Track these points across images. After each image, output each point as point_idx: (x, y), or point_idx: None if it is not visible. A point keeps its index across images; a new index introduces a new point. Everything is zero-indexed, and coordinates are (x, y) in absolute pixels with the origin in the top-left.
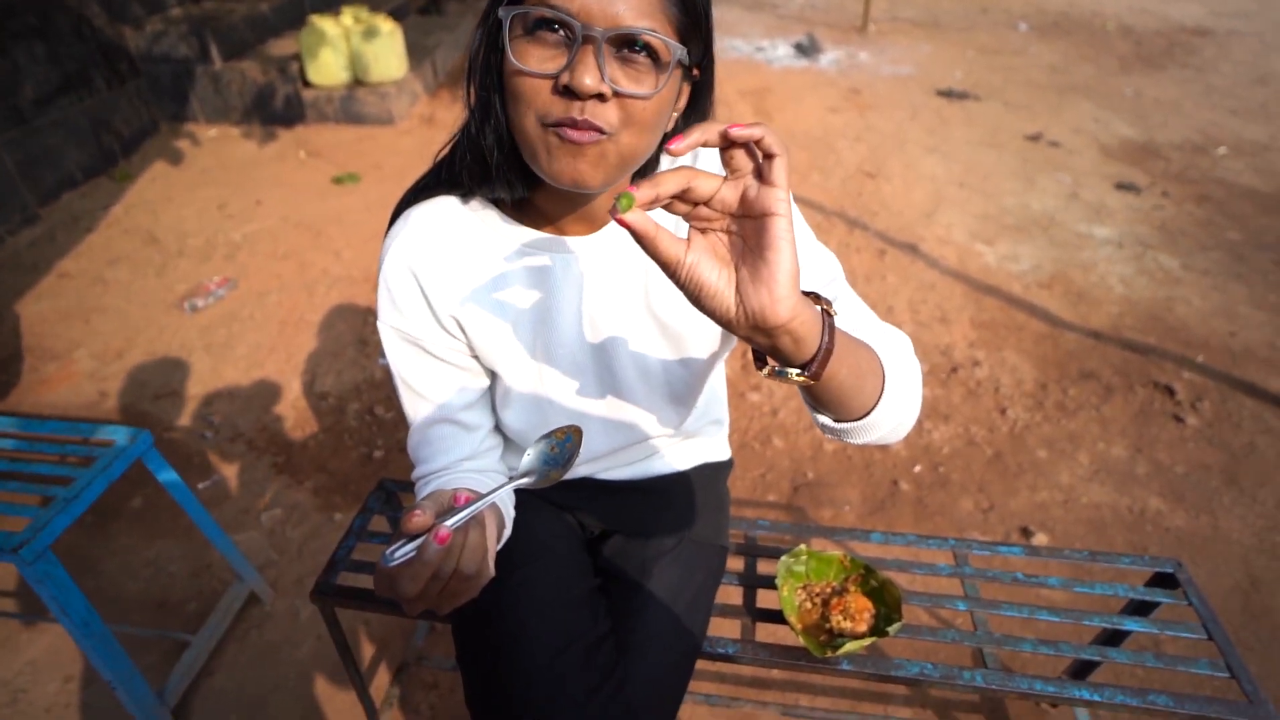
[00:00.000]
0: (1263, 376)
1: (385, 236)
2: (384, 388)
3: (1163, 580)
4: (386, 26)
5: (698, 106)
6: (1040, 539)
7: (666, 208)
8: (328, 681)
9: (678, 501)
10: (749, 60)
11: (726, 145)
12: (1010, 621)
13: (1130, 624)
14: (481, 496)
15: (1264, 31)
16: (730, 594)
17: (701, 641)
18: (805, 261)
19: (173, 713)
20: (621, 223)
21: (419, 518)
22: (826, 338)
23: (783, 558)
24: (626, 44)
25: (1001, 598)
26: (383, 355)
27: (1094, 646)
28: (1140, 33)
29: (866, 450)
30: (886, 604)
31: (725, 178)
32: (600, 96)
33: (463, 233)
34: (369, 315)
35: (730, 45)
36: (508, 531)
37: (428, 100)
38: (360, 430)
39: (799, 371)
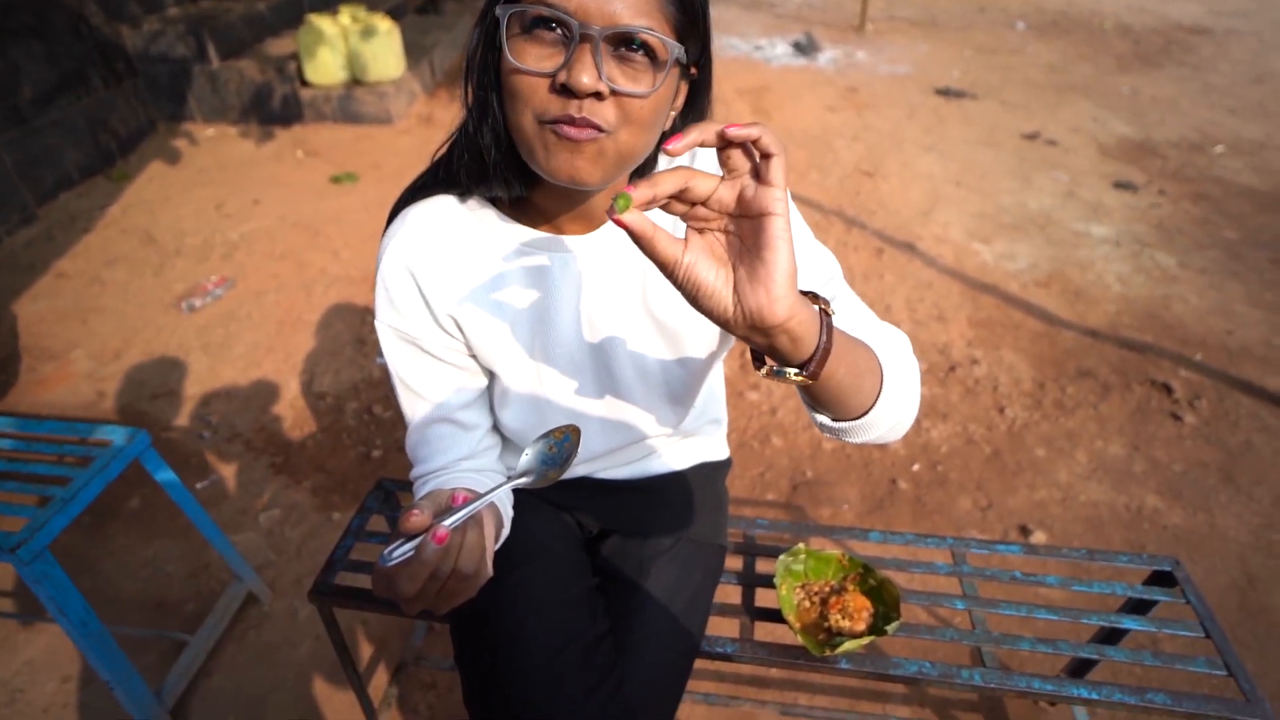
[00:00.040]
0: (1259, 374)
1: (383, 236)
2: (382, 387)
3: (1160, 579)
4: (384, 26)
5: (695, 105)
6: (1038, 537)
7: (664, 208)
8: (326, 681)
9: (676, 501)
10: (747, 59)
11: (724, 145)
12: (1008, 620)
13: (1128, 622)
14: (479, 496)
15: (1262, 30)
16: (729, 593)
17: (700, 640)
18: (803, 260)
19: (171, 713)
20: (619, 223)
21: (417, 518)
22: (824, 337)
23: (781, 557)
24: (624, 42)
25: (1000, 596)
26: (380, 354)
27: (1092, 645)
28: (1138, 31)
29: (865, 449)
30: (885, 603)
31: (722, 177)
32: (598, 95)
33: (460, 232)
34: (367, 314)
35: (728, 44)
36: (506, 531)
37: (426, 99)
38: (358, 430)
39: (797, 371)
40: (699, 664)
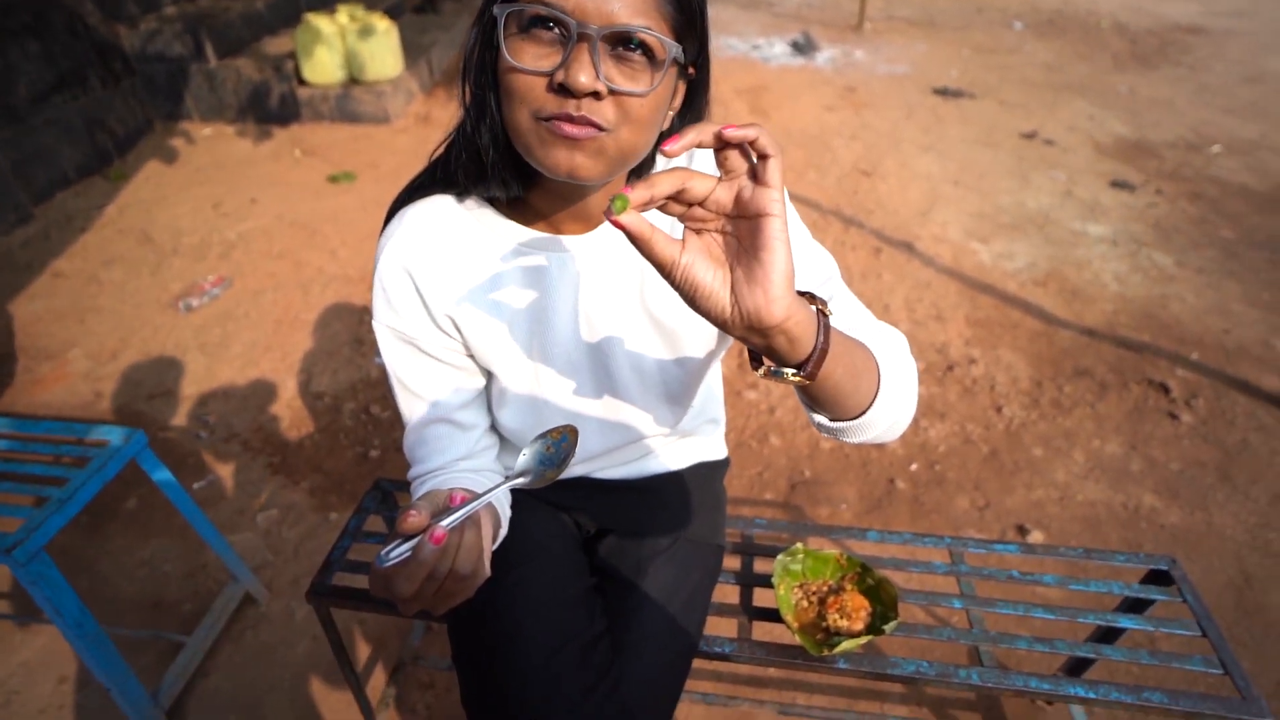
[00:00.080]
0: (1256, 374)
1: (380, 236)
2: (380, 387)
3: (1157, 577)
4: (382, 25)
5: (693, 105)
6: (1036, 536)
7: (661, 209)
8: (323, 682)
9: (673, 501)
10: (745, 58)
11: (721, 146)
12: (1006, 619)
13: (1125, 621)
14: (477, 497)
15: (1257, 30)
16: (727, 593)
17: (698, 640)
18: (801, 260)
19: (167, 714)
20: (616, 224)
21: (414, 518)
22: (821, 338)
23: (779, 556)
24: (622, 42)
25: (997, 595)
26: (378, 354)
27: (1089, 644)
28: (1134, 31)
29: (863, 448)
30: (883, 602)
31: (720, 178)
32: (596, 95)
33: (458, 232)
34: (365, 314)
35: (726, 43)
36: (504, 531)
37: (423, 99)
38: (356, 430)
39: (794, 371)
40: (697, 664)
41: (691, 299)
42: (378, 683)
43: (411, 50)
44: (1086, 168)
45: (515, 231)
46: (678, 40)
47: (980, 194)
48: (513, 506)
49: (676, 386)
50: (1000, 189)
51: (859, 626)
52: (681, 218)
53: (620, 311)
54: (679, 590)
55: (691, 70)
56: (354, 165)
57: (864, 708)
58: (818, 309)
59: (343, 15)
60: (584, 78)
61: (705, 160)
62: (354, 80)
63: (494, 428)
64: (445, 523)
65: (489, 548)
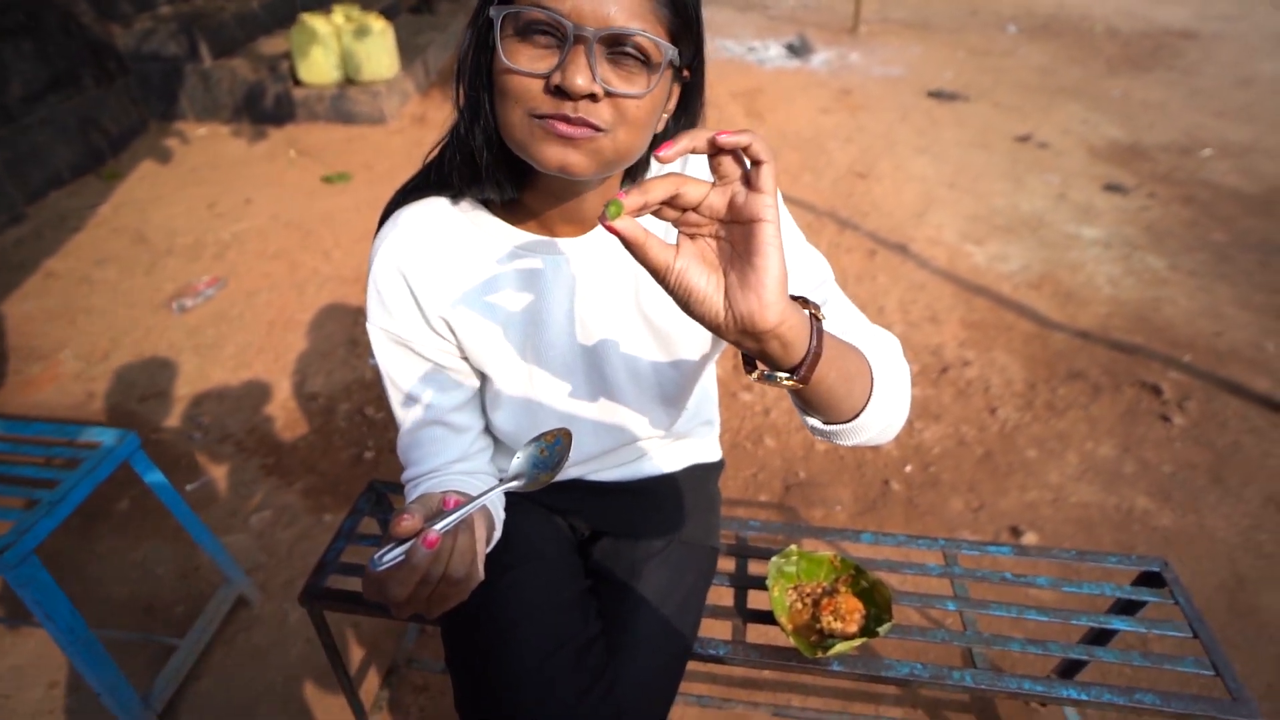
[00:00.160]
0: (1248, 376)
1: (375, 238)
2: (374, 388)
3: (1149, 579)
4: (378, 25)
5: (688, 108)
6: (1030, 538)
7: (655, 214)
8: (317, 685)
9: (668, 503)
10: (740, 61)
11: (715, 152)
12: (999, 621)
13: (1117, 623)
14: (471, 500)
15: (1247, 34)
16: (721, 595)
17: (692, 643)
18: (794, 264)
19: (159, 717)
20: (611, 229)
21: (407, 522)
22: (815, 342)
23: (773, 558)
24: (618, 44)
25: (991, 597)
26: (372, 355)
27: (1082, 646)
28: (1127, 35)
29: (858, 450)
30: (877, 604)
31: (713, 184)
32: (592, 97)
33: (452, 234)
34: (359, 315)
35: (722, 46)
36: (498, 534)
37: (419, 99)
38: (350, 431)
39: (788, 375)
40: (691, 666)
41: (685, 303)
42: (371, 685)
43: (407, 51)
44: (1080, 171)
45: (510, 234)
46: (673, 42)
47: (975, 196)
48: (507, 509)
49: (671, 389)
50: (995, 192)
51: (853, 629)
52: (675, 223)
53: (615, 314)
54: (673, 592)
55: (686, 73)
56: (349, 166)
57: (858, 710)
58: (811, 313)
59: (338, 15)
60: (581, 80)
61: (699, 166)
62: (349, 81)
63: (488, 430)
64: (439, 526)
65: (483, 551)
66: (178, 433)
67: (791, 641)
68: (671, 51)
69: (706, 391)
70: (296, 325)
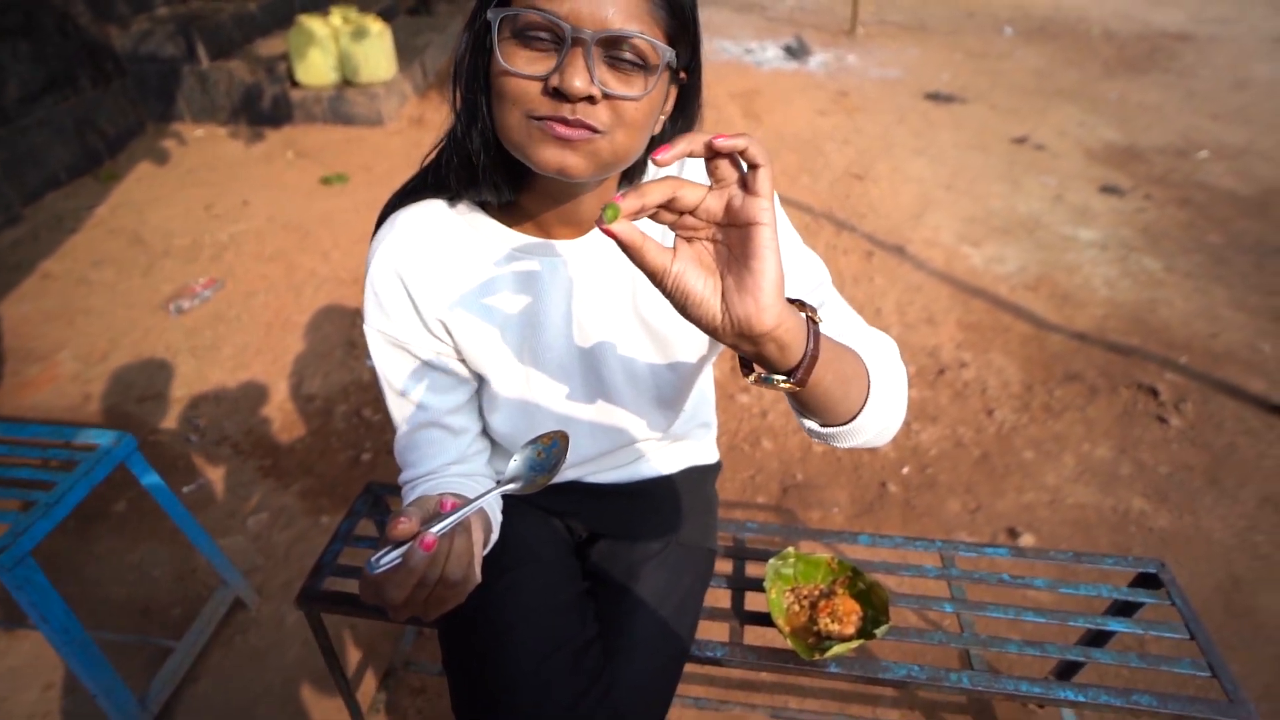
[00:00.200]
0: (1243, 377)
1: (372, 240)
2: (372, 390)
3: (1146, 580)
4: (375, 27)
5: (685, 109)
6: (1027, 540)
7: (653, 217)
8: (314, 687)
9: (665, 505)
10: (738, 62)
11: (711, 155)
12: (996, 623)
13: (1114, 624)
14: (468, 502)
15: (1242, 37)
16: (718, 597)
17: (690, 645)
18: (791, 267)
19: None
20: (608, 233)
21: (404, 525)
22: (811, 345)
23: (771, 560)
24: (616, 46)
25: (988, 599)
26: (370, 357)
27: (1079, 647)
28: (1123, 38)
29: (855, 452)
30: (874, 606)
31: (710, 187)
32: (590, 99)
33: (450, 236)
34: (357, 317)
35: (719, 47)
36: (494, 537)
37: (417, 101)
38: (348, 433)
39: (785, 378)
40: (688, 668)
41: (682, 306)
42: (368, 688)
43: (405, 52)
44: (1077, 173)
45: (507, 236)
46: (670, 44)
47: (972, 198)
48: (504, 511)
49: (668, 391)
50: (991, 193)
51: (850, 630)
52: (672, 226)
53: (612, 316)
54: (670, 594)
55: (683, 75)
56: (347, 167)
57: (856, 711)
58: (807, 316)
59: (336, 17)
60: (579, 82)
61: (696, 169)
62: (347, 82)
63: (485, 432)
64: (436, 529)
65: (480, 553)
66: (175, 434)
67: (789, 643)
68: (669, 53)
69: (704, 394)
70: (294, 327)
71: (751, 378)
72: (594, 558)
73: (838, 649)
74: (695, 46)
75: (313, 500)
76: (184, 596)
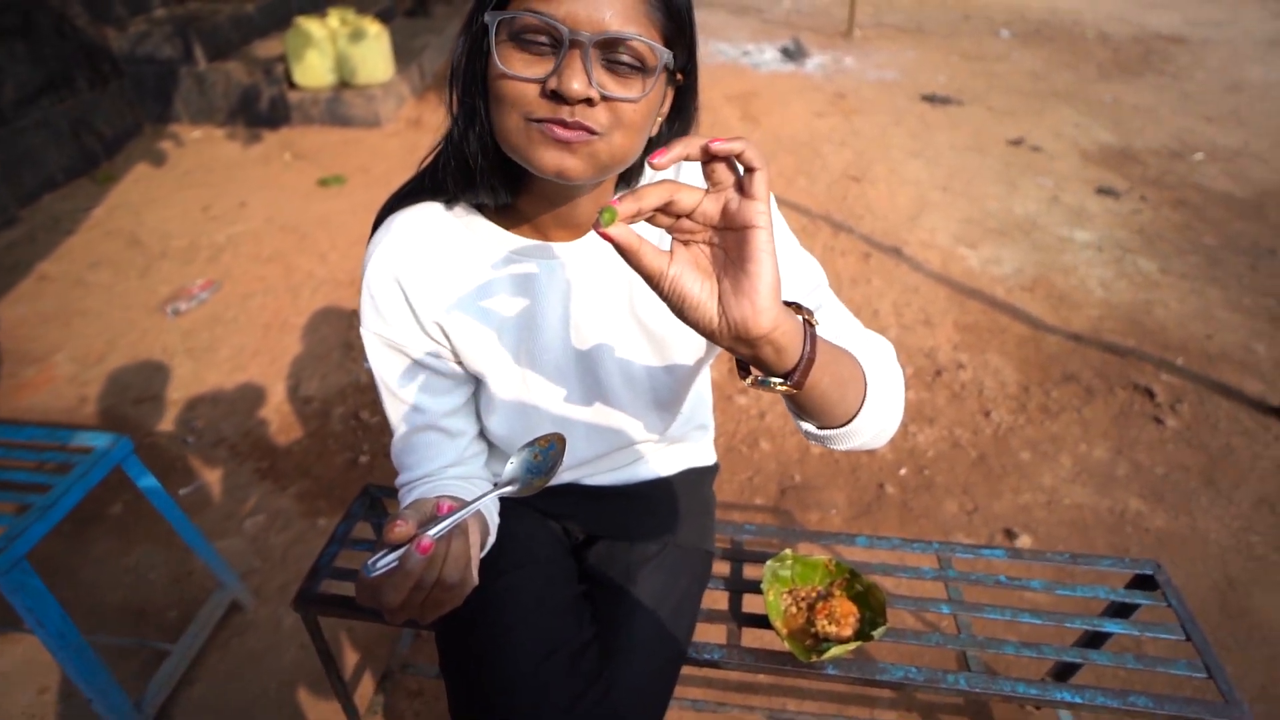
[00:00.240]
0: (1239, 378)
1: (368, 242)
2: (369, 392)
3: (1142, 582)
4: (373, 29)
5: (682, 111)
6: (1024, 540)
7: (649, 220)
8: (311, 690)
9: (662, 507)
10: (735, 65)
11: (708, 159)
12: (993, 624)
13: (1111, 626)
14: (464, 505)
15: (1236, 40)
16: (716, 599)
17: (687, 647)
18: (788, 269)
19: None
20: (605, 236)
21: (401, 527)
22: (808, 347)
23: (768, 562)
24: (613, 48)
25: (985, 600)
26: (367, 359)
27: (1075, 649)
28: (1118, 40)
29: (853, 454)
30: (871, 608)
31: (707, 191)
32: (589, 101)
33: (447, 238)
34: (354, 318)
35: (717, 49)
36: (491, 539)
37: (414, 103)
38: (345, 435)
39: (781, 381)
40: (686, 670)
41: (679, 310)
42: (365, 690)
43: (403, 54)
44: (1072, 174)
45: (504, 238)
46: (667, 46)
47: (968, 200)
48: (501, 513)
49: (665, 393)
50: (988, 195)
51: (848, 632)
52: (669, 229)
53: (609, 318)
54: (668, 596)
55: (680, 76)
56: (344, 169)
57: (853, 713)
58: (804, 319)
59: (333, 19)
60: (577, 84)
61: (693, 173)
62: (344, 84)
63: (482, 434)
64: (432, 532)
65: (476, 556)
66: (171, 437)
67: (786, 645)
68: (666, 55)
69: (701, 395)
70: (291, 329)
71: (748, 380)
72: (591, 560)
73: (835, 651)
74: (691, 48)
75: (310, 503)
76: (180, 599)
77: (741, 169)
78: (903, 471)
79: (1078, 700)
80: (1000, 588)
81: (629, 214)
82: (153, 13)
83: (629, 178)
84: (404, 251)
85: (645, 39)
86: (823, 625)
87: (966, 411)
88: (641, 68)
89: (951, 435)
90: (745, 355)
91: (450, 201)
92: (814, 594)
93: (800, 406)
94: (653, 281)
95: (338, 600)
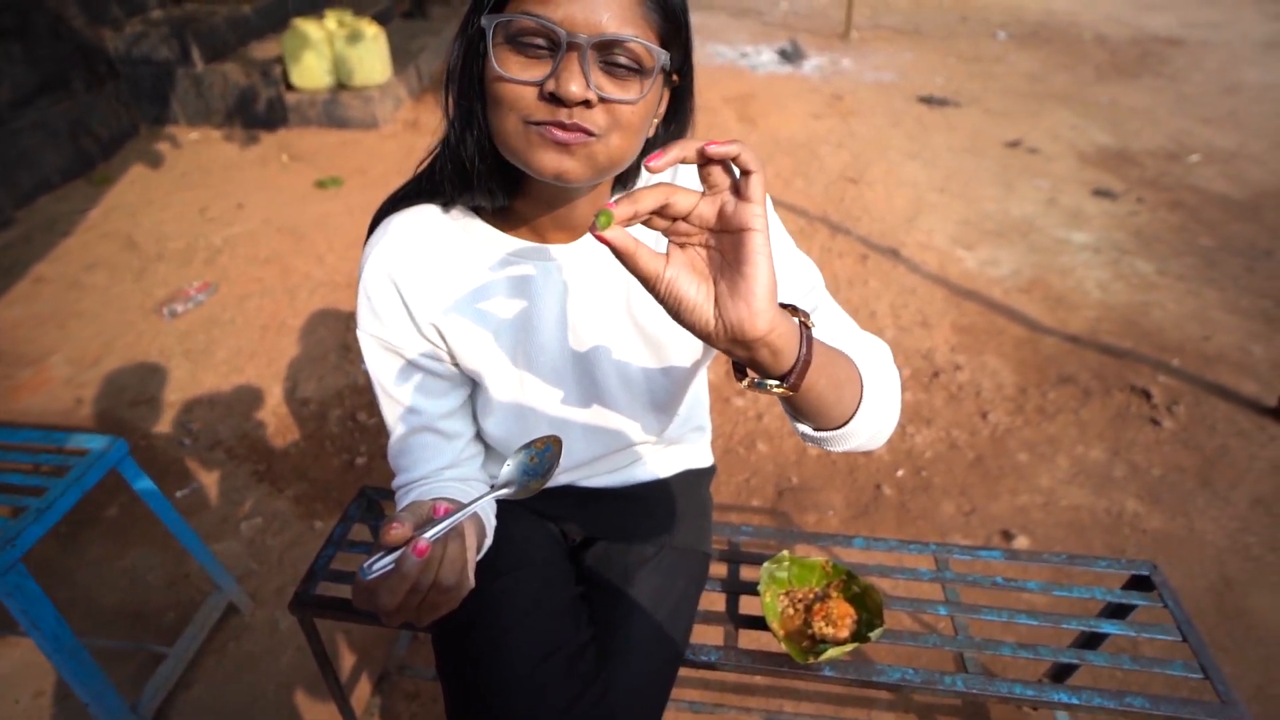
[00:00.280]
0: (1235, 380)
1: (365, 244)
2: (366, 393)
3: (1139, 583)
4: (370, 30)
5: (679, 113)
6: (1021, 541)
7: (646, 223)
8: (308, 692)
9: (659, 508)
10: (733, 66)
11: (704, 162)
12: (990, 625)
13: (1108, 626)
14: (461, 508)
15: (1233, 42)
16: (713, 600)
17: (684, 648)
18: (784, 271)
19: None
20: (601, 239)
21: (397, 530)
22: (804, 350)
23: (765, 564)
24: (611, 50)
25: (982, 602)
26: (364, 361)
27: (1072, 650)
28: (1115, 42)
29: (850, 455)
30: (868, 609)
31: (703, 193)
32: (587, 103)
33: (443, 241)
34: (351, 320)
35: (714, 51)
36: (488, 541)
37: (412, 104)
38: (342, 437)
39: (778, 383)
40: (683, 672)
41: (676, 312)
42: (362, 693)
43: (400, 56)
44: (1069, 176)
45: (501, 240)
46: (664, 47)
47: (965, 201)
48: (498, 515)
49: (662, 395)
50: (985, 197)
51: (845, 634)
52: (665, 232)
53: (606, 320)
54: (665, 598)
55: (676, 77)
56: (342, 170)
57: (850, 715)
58: (800, 321)
59: (331, 20)
60: (575, 87)
61: (689, 175)
62: (342, 85)
63: (479, 436)
64: (429, 535)
65: (473, 558)
66: (168, 439)
67: (783, 647)
68: (663, 56)
69: (698, 397)
70: (288, 330)
71: (745, 383)
72: (588, 561)
73: (832, 652)
74: (687, 49)
75: (306, 505)
76: (177, 602)
77: (737, 172)
78: (900, 473)
79: (1074, 701)
80: (997, 589)
81: (625, 217)
82: (149, 14)
83: (625, 180)
84: (401, 253)
85: (642, 40)
86: (820, 627)
87: (964, 413)
88: (639, 69)
89: (949, 436)
90: (741, 357)
91: (447, 204)
92: (811, 595)
93: (797, 408)
94: (649, 284)
95: (334, 603)
